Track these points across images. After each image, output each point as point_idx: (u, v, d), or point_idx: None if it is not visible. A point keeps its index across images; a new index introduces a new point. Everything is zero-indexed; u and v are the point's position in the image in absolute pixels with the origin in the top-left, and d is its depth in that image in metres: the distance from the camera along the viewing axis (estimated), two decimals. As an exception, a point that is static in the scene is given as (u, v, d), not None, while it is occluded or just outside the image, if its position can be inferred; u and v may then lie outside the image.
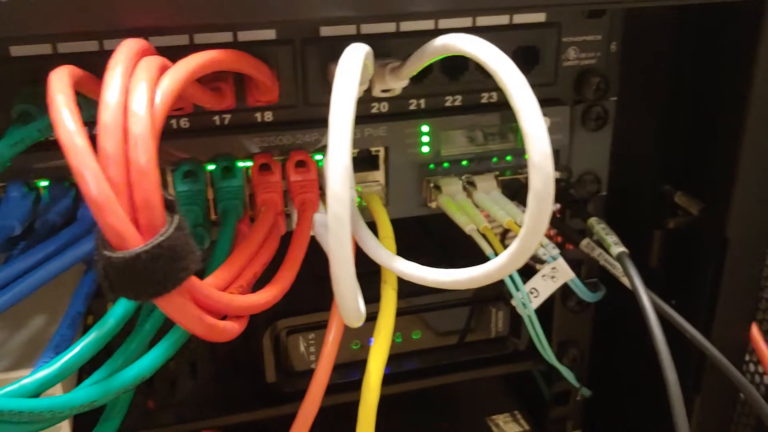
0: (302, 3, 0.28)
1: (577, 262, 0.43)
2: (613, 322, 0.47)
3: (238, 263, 0.29)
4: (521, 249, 0.25)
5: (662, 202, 0.44)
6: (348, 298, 0.25)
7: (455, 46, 0.27)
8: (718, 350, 0.42)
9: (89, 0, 0.26)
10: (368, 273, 0.31)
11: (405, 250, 0.44)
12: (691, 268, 0.43)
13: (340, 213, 0.24)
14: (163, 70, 0.25)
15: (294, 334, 0.42)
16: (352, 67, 0.25)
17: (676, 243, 0.44)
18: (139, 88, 0.23)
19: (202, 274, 0.31)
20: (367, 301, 0.29)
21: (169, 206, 0.23)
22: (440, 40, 0.29)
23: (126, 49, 0.24)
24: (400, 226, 0.38)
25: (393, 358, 0.45)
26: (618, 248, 0.35)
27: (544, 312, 0.39)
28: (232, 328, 0.26)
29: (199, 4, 0.27)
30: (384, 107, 0.38)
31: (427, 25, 0.36)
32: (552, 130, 0.40)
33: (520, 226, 0.25)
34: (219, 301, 0.25)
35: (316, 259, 0.31)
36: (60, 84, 0.23)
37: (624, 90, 0.43)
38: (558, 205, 0.41)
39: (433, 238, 0.49)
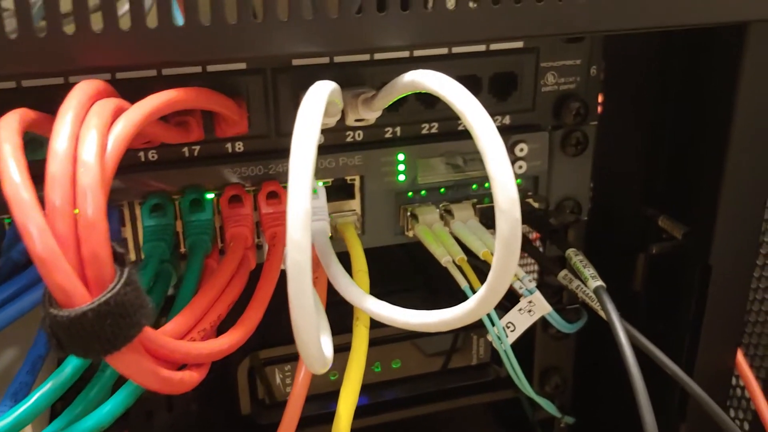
0: (271, 41, 0.28)
1: (558, 288, 0.42)
2: (597, 346, 0.46)
3: (202, 305, 0.28)
4: (490, 293, 0.25)
5: (646, 226, 0.44)
6: (310, 347, 0.24)
7: (422, 84, 0.27)
8: (703, 378, 0.42)
9: (54, 41, 0.25)
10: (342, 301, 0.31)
11: (385, 276, 0.44)
12: (676, 294, 0.42)
13: (300, 260, 0.23)
14: (118, 113, 0.24)
15: (269, 365, 0.41)
16: (312, 111, 0.24)
17: (661, 267, 0.44)
18: (90, 136, 0.22)
19: (167, 313, 0.30)
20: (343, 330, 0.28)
21: (119, 259, 0.22)
22: (408, 77, 0.28)
23: (79, 93, 0.24)
24: (380, 250, 0.38)
25: (373, 388, 0.44)
26: (595, 282, 0.34)
27: (526, 339, 0.39)
28: (191, 379, 0.25)
29: (166, 44, 0.27)
30: (359, 135, 0.37)
31: (402, 53, 0.35)
32: (530, 157, 0.39)
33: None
34: (176, 350, 0.25)
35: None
36: (7, 133, 0.22)
37: (606, 113, 0.43)
38: (536, 234, 0.40)
39: (414, 262, 0.48)
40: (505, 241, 0.23)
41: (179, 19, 0.27)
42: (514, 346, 0.37)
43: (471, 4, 0.29)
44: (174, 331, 0.26)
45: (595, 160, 0.44)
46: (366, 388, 0.44)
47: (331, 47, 0.29)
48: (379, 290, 0.44)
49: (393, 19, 0.29)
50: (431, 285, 0.46)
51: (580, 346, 0.46)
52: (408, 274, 0.47)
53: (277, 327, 0.33)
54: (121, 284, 0.21)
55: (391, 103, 0.32)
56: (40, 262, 0.20)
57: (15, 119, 0.23)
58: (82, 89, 0.24)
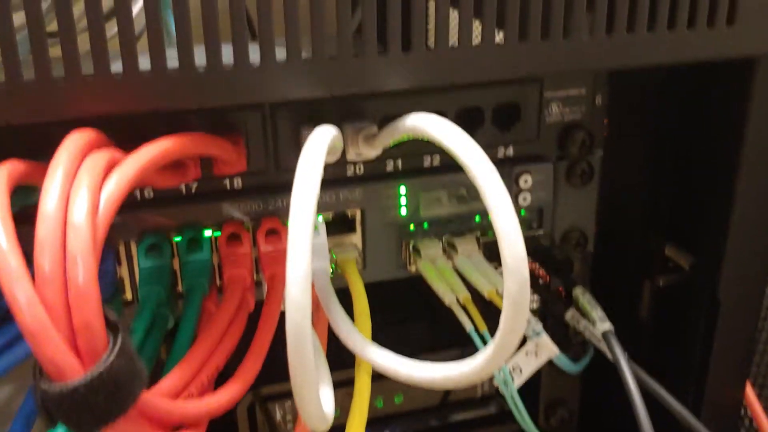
0: (268, 86, 0.27)
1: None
2: (603, 379, 0.45)
3: (199, 357, 0.27)
4: (498, 352, 0.24)
5: (653, 253, 0.43)
6: (310, 409, 0.23)
7: (424, 131, 0.26)
8: (711, 412, 0.41)
9: (42, 88, 0.24)
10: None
11: (389, 305, 0.43)
12: (683, 325, 0.42)
13: (301, 323, 0.22)
14: (110, 168, 0.23)
15: (270, 401, 0.40)
16: (311, 169, 0.23)
17: (667, 297, 0.43)
18: (80, 196, 0.21)
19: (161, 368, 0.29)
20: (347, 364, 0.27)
21: (112, 326, 0.21)
22: (411, 121, 0.27)
23: (69, 146, 0.23)
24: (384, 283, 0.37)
25: (375, 423, 0.43)
26: (603, 325, 0.33)
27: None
28: (188, 440, 0.24)
29: (158, 89, 0.26)
30: (360, 169, 0.36)
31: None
32: (535, 188, 0.38)
33: (501, 297, 0.23)
34: (173, 413, 0.24)
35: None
36: (-6, 193, 0.21)
37: (611, 138, 0.42)
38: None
39: (418, 290, 0.47)
40: (514, 301, 0.22)
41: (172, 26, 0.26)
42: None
43: (474, 43, 0.29)
44: (170, 388, 0.25)
45: (602, 187, 0.44)
46: (369, 424, 0.44)
47: (330, 91, 0.28)
48: (382, 320, 0.44)
49: (394, 60, 0.28)
50: (436, 315, 0.45)
51: (586, 379, 0.45)
52: (412, 301, 0.46)
53: (277, 362, 0.32)
54: (114, 355, 0.20)
55: (393, 143, 0.31)
56: (29, 335, 0.19)
57: (2, 176, 0.22)
58: (73, 142, 0.23)
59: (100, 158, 0.23)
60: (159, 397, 0.23)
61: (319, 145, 0.25)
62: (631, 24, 0.30)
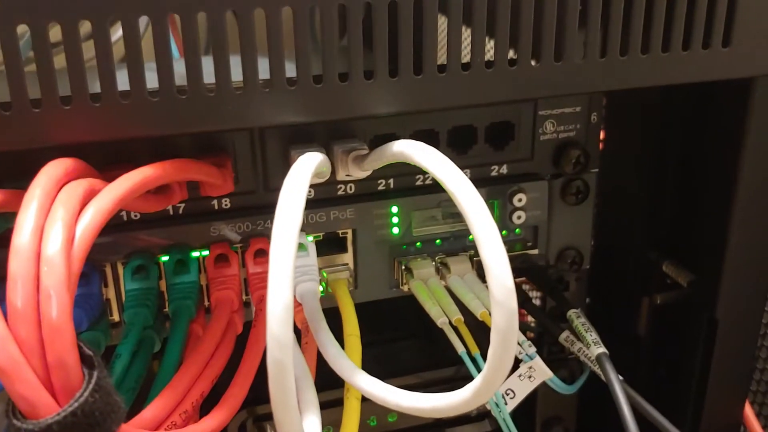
0: (252, 112, 0.26)
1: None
2: (600, 396, 0.45)
3: (183, 383, 0.27)
4: (486, 385, 0.23)
5: (651, 270, 0.42)
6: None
7: (411, 158, 0.25)
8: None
9: (23, 116, 0.24)
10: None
11: (382, 322, 0.43)
12: (681, 343, 0.41)
13: (281, 358, 0.22)
14: (88, 198, 0.23)
15: (261, 421, 0.40)
16: (294, 198, 0.23)
17: (665, 314, 0.42)
18: (54, 230, 0.21)
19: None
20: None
21: (87, 361, 0.20)
22: (398, 147, 0.27)
23: (44, 178, 0.22)
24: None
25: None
26: (597, 349, 0.33)
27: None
28: (169, 474, 0.24)
29: (138, 116, 0.25)
30: (351, 189, 0.36)
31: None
32: (529, 206, 0.38)
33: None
34: (153, 446, 0.23)
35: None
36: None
37: (610, 157, 0.41)
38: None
39: (413, 306, 0.46)
40: (501, 334, 0.22)
41: (176, 54, 0.25)
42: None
43: (462, 71, 0.28)
44: (153, 418, 0.25)
45: (600, 203, 0.43)
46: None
47: (315, 116, 0.27)
48: (375, 338, 0.43)
49: (381, 86, 0.27)
50: (430, 332, 0.44)
51: (583, 397, 0.44)
52: (406, 318, 0.46)
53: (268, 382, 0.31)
54: (89, 391, 0.20)
55: (381, 166, 0.30)
56: (1, 373, 0.19)
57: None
58: (48, 172, 0.22)
59: (76, 188, 0.22)
60: (139, 430, 0.23)
61: (302, 175, 0.24)
62: (624, 47, 0.29)
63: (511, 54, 0.28)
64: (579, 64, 0.29)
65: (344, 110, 0.27)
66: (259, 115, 0.27)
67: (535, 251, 0.39)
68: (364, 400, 0.39)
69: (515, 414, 0.42)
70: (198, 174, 0.28)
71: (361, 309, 0.34)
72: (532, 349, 0.33)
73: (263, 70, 0.26)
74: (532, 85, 0.29)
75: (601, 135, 0.42)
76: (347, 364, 0.29)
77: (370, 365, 0.30)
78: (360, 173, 0.32)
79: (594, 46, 0.29)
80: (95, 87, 0.24)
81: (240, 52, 0.26)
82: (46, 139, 0.24)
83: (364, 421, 0.42)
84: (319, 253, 0.35)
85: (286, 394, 0.22)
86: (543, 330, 0.39)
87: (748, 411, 0.41)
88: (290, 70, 0.27)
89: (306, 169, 0.25)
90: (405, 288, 0.37)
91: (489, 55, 0.29)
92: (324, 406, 0.29)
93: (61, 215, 0.21)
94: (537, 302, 0.43)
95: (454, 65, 0.28)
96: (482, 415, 0.44)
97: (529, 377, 0.33)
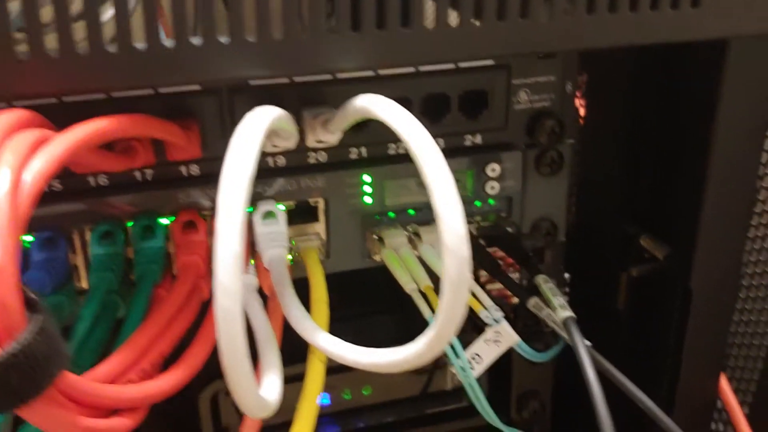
0: (213, 65, 0.26)
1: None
2: (576, 369, 0.45)
3: (141, 343, 0.27)
4: (438, 336, 0.23)
5: (629, 244, 0.42)
6: (245, 396, 0.23)
7: (371, 111, 0.25)
8: (684, 404, 0.40)
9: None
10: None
11: (359, 297, 0.42)
12: (657, 316, 0.41)
13: (229, 307, 0.21)
14: (40, 145, 0.22)
15: (233, 393, 0.40)
16: (247, 140, 0.23)
17: (643, 288, 0.42)
18: (1, 174, 0.20)
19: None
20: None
21: (32, 305, 0.20)
22: (359, 102, 0.27)
23: (-5, 126, 0.22)
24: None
25: (343, 415, 0.43)
26: (564, 312, 0.32)
27: (502, 362, 0.37)
28: (121, 425, 0.23)
29: (95, 70, 0.25)
30: (322, 157, 0.36)
31: (366, 72, 0.34)
32: (503, 177, 0.38)
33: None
34: (104, 396, 0.23)
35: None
36: None
37: (587, 127, 0.41)
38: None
39: (390, 281, 0.46)
40: (452, 283, 0.22)
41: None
42: (490, 368, 0.35)
43: (428, 27, 0.28)
44: (106, 374, 0.25)
45: (577, 176, 0.43)
46: (336, 416, 0.43)
47: (277, 71, 0.27)
48: (351, 312, 0.43)
49: (344, 41, 0.27)
50: (407, 307, 0.44)
51: (559, 371, 0.44)
52: (383, 293, 0.45)
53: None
54: (32, 334, 0.20)
55: (348, 126, 0.30)
56: (-60, 312, 0.19)
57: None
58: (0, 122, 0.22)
59: (27, 137, 0.22)
60: (88, 381, 0.23)
61: (258, 121, 0.24)
62: (591, 5, 0.29)
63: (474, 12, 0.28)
64: (545, 23, 0.29)
65: (309, 66, 0.27)
66: (220, 69, 0.26)
67: (508, 223, 0.39)
68: (339, 371, 0.39)
69: (491, 389, 0.42)
70: (158, 131, 0.28)
71: (334, 283, 0.34)
72: (499, 314, 0.32)
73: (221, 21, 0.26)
74: (498, 44, 0.29)
75: (582, 110, 0.42)
76: (310, 325, 0.29)
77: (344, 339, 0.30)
78: (329, 137, 0.32)
79: (560, 3, 0.29)
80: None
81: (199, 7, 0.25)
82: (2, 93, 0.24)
83: (338, 395, 0.42)
84: (291, 223, 0.35)
85: (235, 344, 0.22)
86: (512, 293, 0.38)
87: (725, 385, 0.41)
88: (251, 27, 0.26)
89: (262, 117, 0.24)
90: (377, 257, 0.37)
91: (454, 15, 0.29)
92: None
93: (8, 160, 0.21)
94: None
95: (418, 22, 0.28)
96: (459, 390, 0.44)
97: (495, 341, 0.32)
